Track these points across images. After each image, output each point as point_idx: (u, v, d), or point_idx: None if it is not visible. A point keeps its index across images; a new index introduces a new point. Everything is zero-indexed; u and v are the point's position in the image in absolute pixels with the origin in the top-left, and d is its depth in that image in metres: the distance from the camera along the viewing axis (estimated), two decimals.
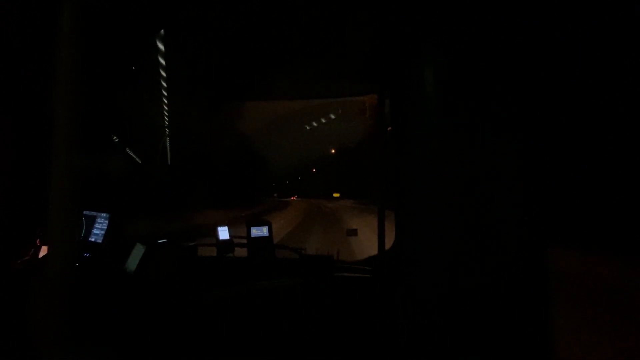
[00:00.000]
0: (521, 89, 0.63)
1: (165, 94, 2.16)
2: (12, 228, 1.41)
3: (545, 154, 0.64)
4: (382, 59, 1.36)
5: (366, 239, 6.31)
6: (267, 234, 1.97)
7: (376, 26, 1.19)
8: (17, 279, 1.34)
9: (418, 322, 0.66)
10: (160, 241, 1.53)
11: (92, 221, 1.75)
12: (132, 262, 1.46)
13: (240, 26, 1.30)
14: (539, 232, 0.62)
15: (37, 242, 1.50)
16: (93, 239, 1.70)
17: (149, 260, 1.41)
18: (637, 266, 0.70)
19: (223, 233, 1.96)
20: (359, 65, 1.51)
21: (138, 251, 1.46)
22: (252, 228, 1.94)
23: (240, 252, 1.96)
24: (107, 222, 1.69)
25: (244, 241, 1.95)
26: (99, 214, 1.74)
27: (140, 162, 2.34)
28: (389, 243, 1.48)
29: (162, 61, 1.76)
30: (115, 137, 2.07)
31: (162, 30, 1.49)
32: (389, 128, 1.44)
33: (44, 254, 1.48)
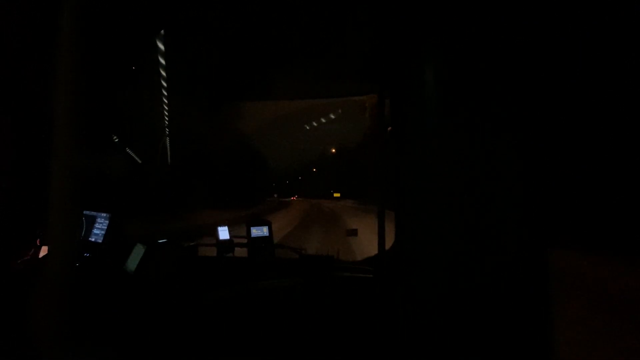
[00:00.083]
0: (521, 89, 0.63)
1: (165, 94, 2.16)
2: (12, 228, 1.41)
3: (545, 154, 0.64)
4: (382, 59, 1.36)
5: (366, 240, 6.32)
6: (267, 234, 1.97)
7: (376, 26, 1.19)
8: (17, 279, 1.34)
9: (418, 322, 0.66)
10: (160, 241, 1.53)
11: (92, 221, 1.75)
12: (132, 262, 1.46)
13: (240, 26, 1.30)
14: (539, 232, 0.62)
15: (37, 242, 1.50)
16: (93, 239, 1.70)
17: (149, 260, 1.41)
18: (637, 266, 0.70)
19: (223, 233, 1.96)
20: (359, 65, 1.51)
21: (138, 251, 1.46)
22: (252, 228, 1.95)
23: (240, 252, 1.97)
24: (107, 222, 1.70)
25: (244, 241, 1.96)
26: (99, 214, 1.74)
27: (140, 162, 2.34)
28: (389, 243, 1.48)
29: (162, 61, 1.77)
30: (115, 137, 2.07)
31: (162, 30, 1.49)
32: (389, 128, 1.44)
33: (44, 254, 1.48)
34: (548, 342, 0.60)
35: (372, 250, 1.60)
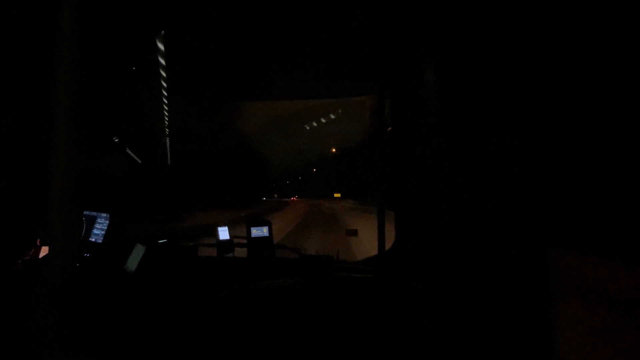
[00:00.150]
0: (521, 89, 0.63)
1: (165, 94, 2.16)
2: (12, 228, 1.41)
3: (545, 154, 0.64)
4: (382, 59, 1.36)
5: (367, 241, 6.31)
6: (267, 234, 1.97)
7: (376, 26, 1.19)
8: (17, 279, 1.34)
9: (418, 322, 0.66)
10: (160, 241, 1.53)
11: (92, 221, 1.75)
12: (132, 262, 1.46)
13: (240, 26, 1.30)
14: (539, 232, 0.62)
15: (37, 242, 1.50)
16: (93, 239, 1.70)
17: (149, 260, 1.41)
18: (636, 266, 0.70)
19: (223, 233, 1.96)
20: (359, 65, 1.51)
21: (138, 251, 1.46)
22: (252, 228, 1.95)
23: (240, 252, 1.97)
24: (107, 222, 1.70)
25: (244, 241, 1.96)
26: (99, 214, 1.74)
27: (140, 162, 2.34)
28: (389, 243, 1.48)
29: (162, 61, 1.76)
30: (115, 137, 2.07)
31: (162, 31, 1.49)
32: (389, 128, 1.44)
33: (44, 254, 1.48)
34: (548, 342, 0.60)
35: (373, 251, 1.60)
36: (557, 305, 0.61)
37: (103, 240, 1.67)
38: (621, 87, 0.66)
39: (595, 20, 0.66)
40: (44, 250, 1.49)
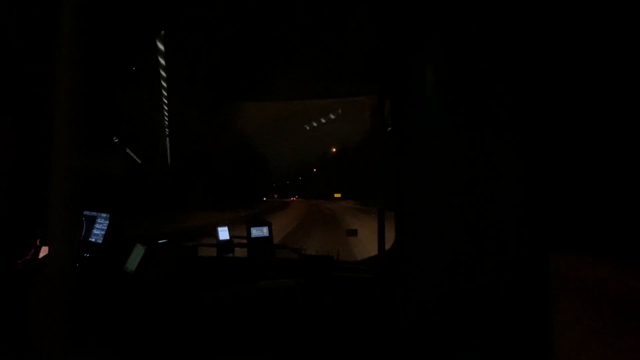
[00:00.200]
0: (521, 89, 0.63)
1: (165, 94, 2.16)
2: (12, 228, 1.41)
3: (545, 154, 0.64)
4: (382, 59, 1.36)
5: (367, 243, 6.31)
6: (267, 234, 1.97)
7: (376, 26, 1.19)
8: (17, 279, 1.34)
9: (418, 322, 0.66)
10: (160, 241, 1.53)
11: (92, 221, 1.75)
12: (132, 262, 1.46)
13: (240, 26, 1.30)
14: (539, 232, 0.62)
15: (37, 242, 1.50)
16: (93, 239, 1.70)
17: (149, 260, 1.41)
18: (636, 267, 0.70)
19: (223, 233, 1.96)
20: (359, 65, 1.51)
21: (138, 251, 1.46)
22: (252, 228, 1.95)
23: (240, 252, 1.97)
24: (107, 222, 1.70)
25: (244, 241, 1.96)
26: (99, 214, 1.74)
27: (140, 162, 2.34)
28: (389, 244, 1.48)
29: (162, 61, 1.76)
30: (115, 137, 2.07)
31: (162, 31, 1.49)
32: (389, 128, 1.44)
33: (44, 254, 1.48)
34: (548, 342, 0.60)
35: (373, 251, 1.60)
36: (557, 305, 0.61)
37: (103, 240, 1.67)
38: (621, 87, 0.66)
39: (595, 20, 0.66)
40: (44, 250, 1.49)
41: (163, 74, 1.91)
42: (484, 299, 0.60)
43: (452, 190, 0.63)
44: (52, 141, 0.61)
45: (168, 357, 1.07)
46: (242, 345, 1.13)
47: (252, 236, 1.93)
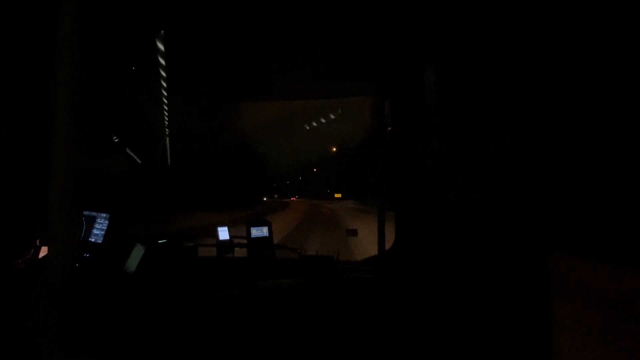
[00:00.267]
0: (521, 89, 0.63)
1: (165, 94, 2.16)
2: (12, 228, 1.41)
3: (545, 154, 0.64)
4: (382, 59, 1.36)
5: (368, 243, 6.30)
6: (267, 234, 1.97)
7: (376, 26, 1.19)
8: (17, 279, 1.34)
9: (418, 322, 0.66)
10: (160, 241, 1.53)
11: (92, 221, 1.75)
12: (132, 262, 1.46)
13: (240, 26, 1.30)
14: (539, 233, 0.61)
15: (37, 242, 1.50)
16: (93, 239, 1.70)
17: (149, 260, 1.41)
18: (636, 268, 0.70)
19: (223, 233, 1.96)
20: (359, 65, 1.51)
21: (138, 251, 1.46)
22: (252, 228, 1.95)
23: (240, 252, 1.97)
24: (107, 222, 1.69)
25: (244, 241, 1.96)
26: (99, 214, 1.74)
27: (140, 162, 2.34)
28: (388, 244, 1.48)
29: (162, 61, 1.76)
30: (115, 137, 2.07)
31: (162, 31, 1.48)
32: (389, 128, 1.44)
33: (44, 254, 1.48)
34: (548, 342, 0.60)
35: (373, 251, 1.60)
36: (557, 305, 0.61)
37: (103, 240, 1.67)
38: (621, 87, 0.66)
39: (596, 20, 0.66)
40: (44, 250, 1.49)
41: (163, 74, 1.91)
42: (484, 299, 0.60)
43: (452, 190, 0.62)
44: (52, 141, 0.61)
45: (168, 357, 1.07)
46: (242, 345, 1.13)
47: (252, 236, 1.94)
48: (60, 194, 0.61)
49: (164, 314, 1.22)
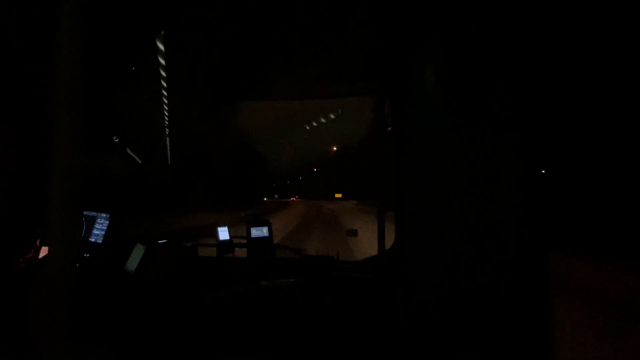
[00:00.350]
0: (522, 89, 0.63)
1: (165, 94, 2.16)
2: (12, 228, 1.41)
3: (545, 154, 0.64)
4: (382, 58, 1.36)
5: (368, 243, 6.29)
6: (267, 234, 1.97)
7: (376, 26, 1.19)
8: (17, 279, 1.34)
9: (418, 322, 0.66)
10: (160, 241, 1.53)
11: (92, 221, 1.75)
12: (132, 262, 1.46)
13: (240, 26, 1.30)
14: (539, 233, 0.61)
15: (37, 242, 1.50)
16: (93, 239, 1.70)
17: (149, 260, 1.41)
18: (635, 268, 0.70)
19: (223, 233, 1.96)
20: (359, 65, 1.51)
21: (138, 251, 1.46)
22: (252, 228, 1.95)
23: (240, 252, 1.97)
24: (107, 222, 1.69)
25: (244, 241, 1.96)
26: (99, 214, 1.74)
27: (140, 162, 2.34)
28: (388, 244, 1.48)
29: (162, 61, 1.77)
30: (115, 137, 2.07)
31: (162, 31, 1.49)
32: (389, 128, 1.44)
33: (44, 254, 1.48)
34: (548, 342, 0.60)
35: (373, 251, 1.60)
36: (557, 305, 0.61)
37: (103, 240, 1.67)
38: (622, 87, 0.66)
39: (596, 20, 0.66)
40: (44, 250, 1.49)
41: (163, 74, 1.91)
42: (484, 299, 0.60)
43: (452, 190, 0.62)
44: (52, 141, 0.61)
45: (168, 357, 1.07)
46: (242, 345, 1.13)
47: (252, 236, 1.94)
48: (60, 194, 0.61)
49: (164, 314, 1.22)
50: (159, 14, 1.31)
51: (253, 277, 1.43)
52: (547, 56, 0.66)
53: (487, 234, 0.61)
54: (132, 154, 2.25)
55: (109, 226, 1.68)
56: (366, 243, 6.43)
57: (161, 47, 1.62)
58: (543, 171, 0.62)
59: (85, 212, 1.78)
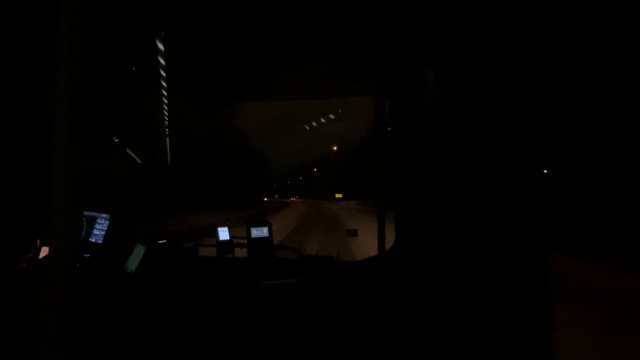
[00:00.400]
0: (522, 89, 0.63)
1: (165, 94, 2.16)
2: (12, 228, 1.41)
3: (545, 154, 0.64)
4: (382, 58, 1.36)
5: (368, 243, 6.29)
6: (267, 235, 1.97)
7: (376, 26, 1.19)
8: (17, 279, 1.34)
9: (418, 322, 0.66)
10: (160, 241, 1.53)
11: (92, 221, 1.75)
12: (132, 262, 1.46)
13: (240, 26, 1.30)
14: (539, 233, 0.61)
15: (37, 242, 1.50)
16: (93, 240, 1.70)
17: (149, 260, 1.41)
18: (635, 268, 0.70)
19: (223, 233, 1.96)
20: (359, 65, 1.51)
21: (138, 251, 1.46)
22: (252, 228, 1.95)
23: (240, 252, 1.97)
24: (107, 222, 1.70)
25: (244, 241, 1.96)
26: (99, 214, 1.74)
27: (140, 162, 2.34)
28: (388, 244, 1.48)
29: (162, 61, 1.77)
30: (115, 137, 2.07)
31: (162, 31, 1.49)
32: (389, 128, 1.44)
33: (44, 254, 1.48)
34: (548, 342, 0.60)
35: (373, 252, 1.60)
36: (557, 305, 0.61)
37: (103, 240, 1.67)
38: (622, 87, 0.66)
39: (596, 20, 0.66)
40: (44, 251, 1.49)
41: (163, 74, 1.91)
42: (484, 299, 0.60)
43: (452, 190, 0.62)
44: (52, 141, 0.61)
45: (168, 357, 1.07)
46: (242, 345, 1.13)
47: (252, 236, 1.94)
48: (60, 194, 0.61)
49: (164, 314, 1.22)
50: (159, 15, 1.31)
51: (253, 277, 1.43)
52: (547, 56, 0.66)
53: (487, 234, 0.61)
54: (132, 154, 2.25)
55: (109, 226, 1.68)
56: (366, 243, 6.43)
57: (161, 47, 1.62)
58: (545, 171, 0.61)
59: (85, 212, 1.78)
